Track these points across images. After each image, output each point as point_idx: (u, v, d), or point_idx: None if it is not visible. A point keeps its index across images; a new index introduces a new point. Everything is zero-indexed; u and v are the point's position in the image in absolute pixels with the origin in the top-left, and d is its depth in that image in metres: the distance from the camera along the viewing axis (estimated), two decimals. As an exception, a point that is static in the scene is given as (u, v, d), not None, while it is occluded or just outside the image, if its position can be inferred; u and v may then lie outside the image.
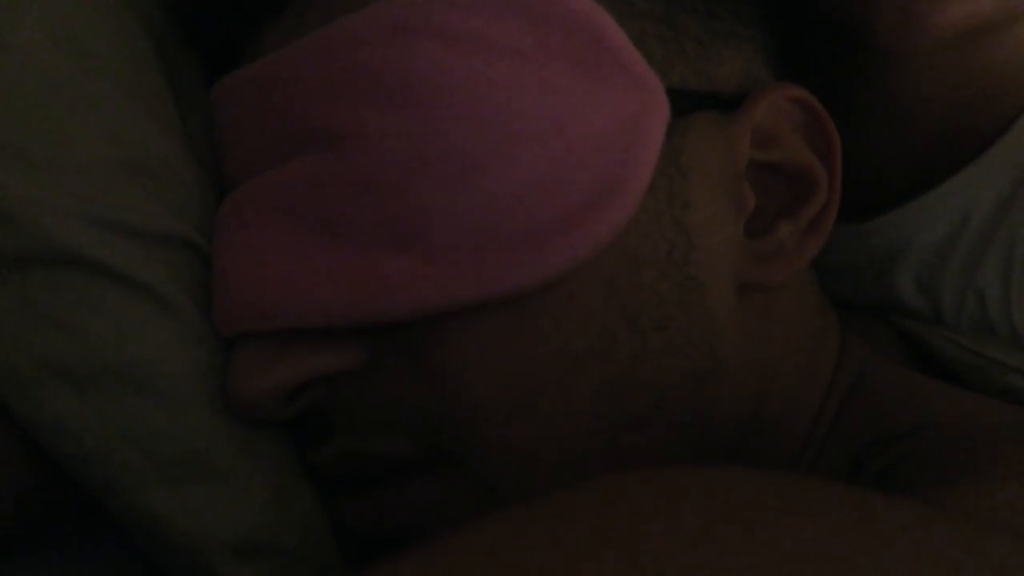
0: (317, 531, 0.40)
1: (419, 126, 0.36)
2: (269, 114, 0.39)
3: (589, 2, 0.37)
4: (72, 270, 0.37)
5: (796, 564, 0.26)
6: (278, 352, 0.38)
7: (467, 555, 0.27)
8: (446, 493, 0.38)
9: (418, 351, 0.37)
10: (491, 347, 0.37)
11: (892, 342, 0.50)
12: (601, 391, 0.37)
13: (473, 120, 0.36)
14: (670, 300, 0.38)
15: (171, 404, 0.38)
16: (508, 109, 0.36)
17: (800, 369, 0.42)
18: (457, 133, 0.36)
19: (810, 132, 0.41)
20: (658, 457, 0.38)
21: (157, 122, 0.41)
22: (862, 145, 0.46)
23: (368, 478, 0.40)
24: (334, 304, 0.37)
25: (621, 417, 0.38)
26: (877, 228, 0.52)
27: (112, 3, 0.41)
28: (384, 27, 0.37)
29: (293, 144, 0.39)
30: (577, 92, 0.37)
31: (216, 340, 0.39)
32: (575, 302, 0.37)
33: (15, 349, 0.37)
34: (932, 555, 0.27)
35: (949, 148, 0.50)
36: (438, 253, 0.36)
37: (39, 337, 0.37)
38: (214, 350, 0.39)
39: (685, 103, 0.38)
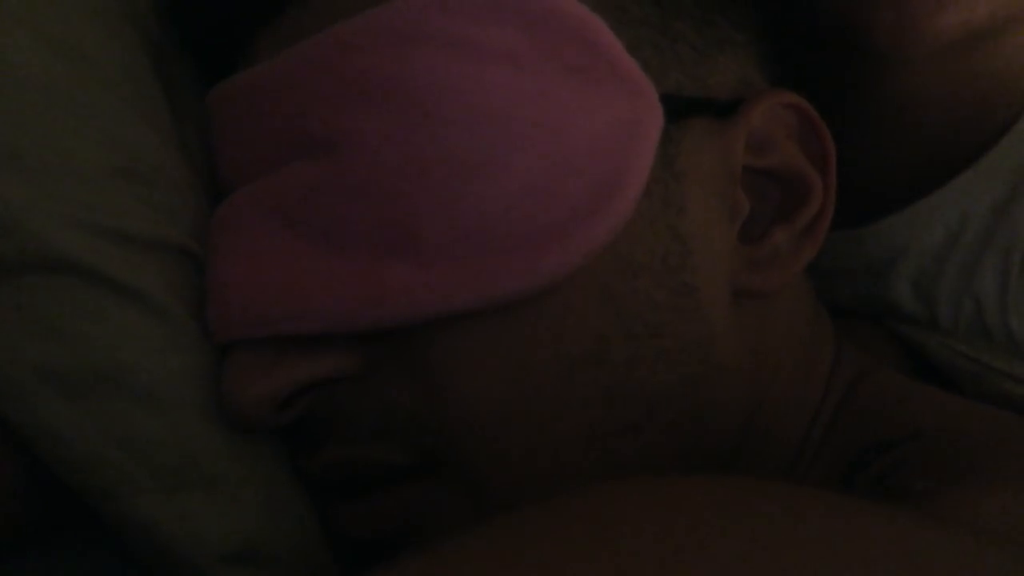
0: (310, 538, 0.40)
1: (414, 132, 0.36)
2: (264, 120, 0.39)
3: (584, 8, 0.37)
4: (65, 276, 0.37)
5: (789, 573, 0.26)
6: (273, 359, 0.38)
7: (460, 563, 0.27)
8: (440, 499, 0.38)
9: (413, 357, 0.37)
10: (486, 353, 0.37)
11: (888, 348, 0.50)
12: (595, 397, 0.37)
13: (468, 126, 0.36)
14: (665, 306, 0.38)
15: (164, 411, 0.38)
16: (503, 115, 0.36)
17: (795, 375, 0.42)
18: (452, 139, 0.36)
19: (805, 138, 0.41)
20: (652, 463, 0.38)
21: (152, 128, 0.41)
22: (858, 151, 0.46)
23: (361, 484, 0.40)
24: (329, 310, 0.37)
25: (615, 423, 0.38)
26: (873, 234, 0.52)
27: (107, 9, 0.41)
28: (379, 33, 0.37)
29: (288, 150, 0.39)
30: (572, 98, 0.37)
31: (210, 347, 0.39)
32: (570, 308, 0.37)
33: (8, 355, 0.37)
34: (925, 564, 0.27)
35: (945, 154, 0.50)
36: (433, 259, 0.36)
37: (32, 343, 0.37)
38: (208, 357, 0.39)
39: (680, 109, 0.38)
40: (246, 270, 0.39)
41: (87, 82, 0.39)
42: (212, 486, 0.38)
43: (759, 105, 0.40)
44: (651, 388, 0.38)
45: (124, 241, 0.38)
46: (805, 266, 0.41)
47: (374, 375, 0.38)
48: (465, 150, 0.36)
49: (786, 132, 0.41)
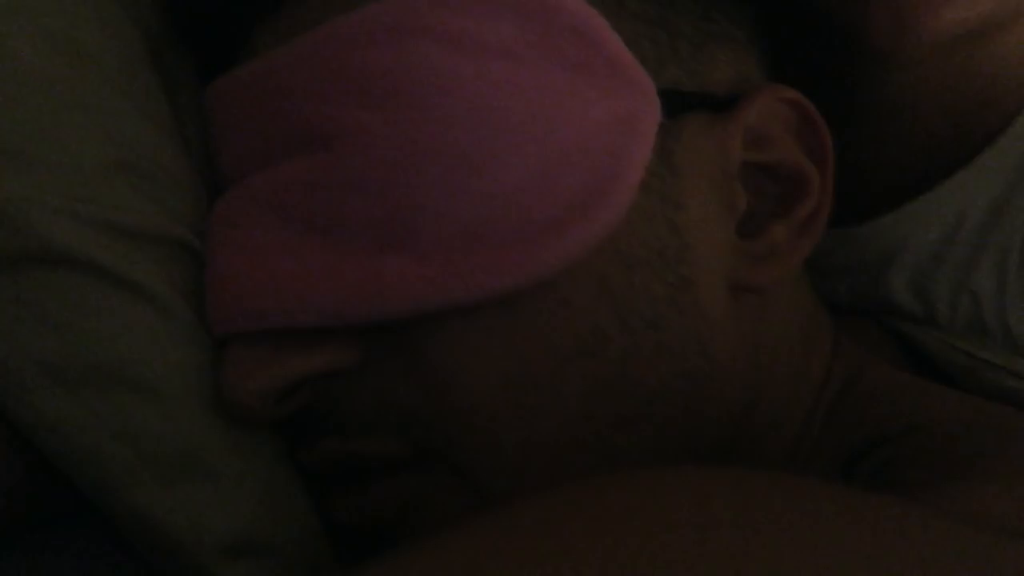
0: (309, 530, 0.40)
1: (412, 126, 0.36)
2: (263, 114, 0.39)
3: (582, 3, 0.37)
4: (64, 270, 0.37)
5: (789, 564, 0.26)
6: (271, 352, 0.38)
7: (457, 555, 0.27)
8: (436, 491, 0.38)
9: (411, 350, 0.37)
10: (483, 346, 0.37)
11: (886, 344, 0.50)
12: (592, 390, 0.37)
13: (465, 120, 0.36)
14: (662, 300, 0.38)
15: (163, 403, 0.38)
16: (500, 109, 0.36)
17: (792, 370, 0.42)
18: (449, 133, 0.36)
19: (803, 134, 0.41)
20: (649, 456, 0.38)
21: (150, 122, 0.41)
22: (856, 148, 0.46)
23: (359, 476, 0.40)
24: (327, 304, 0.37)
25: (612, 416, 0.38)
26: (871, 231, 0.52)
27: (106, 4, 0.41)
28: (377, 28, 0.37)
29: (287, 144, 0.39)
30: (569, 93, 0.37)
31: (209, 340, 0.39)
32: (567, 301, 0.37)
33: (7, 348, 0.37)
34: (923, 554, 0.27)
35: (943, 151, 0.50)
36: (431, 253, 0.36)
37: (31, 336, 0.37)
38: (207, 349, 0.39)
39: (678, 104, 0.38)
40: (245, 264, 0.39)
41: (86, 77, 0.39)
42: (211, 478, 0.38)
43: (757, 100, 0.40)
44: (648, 381, 0.38)
45: (123, 235, 0.38)
46: (803, 261, 0.41)
47: (372, 368, 0.38)
48: (463, 144, 0.36)
49: (784, 127, 0.41)
